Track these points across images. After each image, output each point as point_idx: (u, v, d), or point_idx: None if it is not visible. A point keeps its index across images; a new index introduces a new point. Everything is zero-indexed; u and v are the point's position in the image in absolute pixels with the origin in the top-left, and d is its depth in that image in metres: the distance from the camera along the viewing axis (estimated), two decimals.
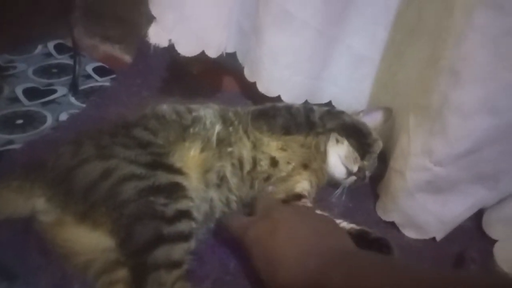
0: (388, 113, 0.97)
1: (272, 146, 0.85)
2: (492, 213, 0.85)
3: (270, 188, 0.84)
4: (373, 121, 0.98)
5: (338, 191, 0.89)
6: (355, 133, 0.88)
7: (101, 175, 0.63)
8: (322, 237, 0.61)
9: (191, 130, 0.77)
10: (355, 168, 0.87)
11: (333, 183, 0.91)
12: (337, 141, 0.91)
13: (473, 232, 0.86)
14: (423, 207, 0.79)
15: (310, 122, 0.87)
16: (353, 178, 0.88)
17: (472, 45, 0.64)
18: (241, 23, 1.04)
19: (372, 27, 0.92)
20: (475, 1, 0.62)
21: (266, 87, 1.03)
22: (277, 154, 0.85)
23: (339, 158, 0.89)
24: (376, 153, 0.90)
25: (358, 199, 0.90)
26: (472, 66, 0.65)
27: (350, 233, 0.76)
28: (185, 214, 0.64)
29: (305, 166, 0.89)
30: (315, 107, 0.90)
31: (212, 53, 0.94)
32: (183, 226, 0.62)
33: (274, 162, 0.85)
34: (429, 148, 0.74)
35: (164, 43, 0.87)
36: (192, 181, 0.71)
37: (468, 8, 0.63)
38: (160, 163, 0.67)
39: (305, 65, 0.98)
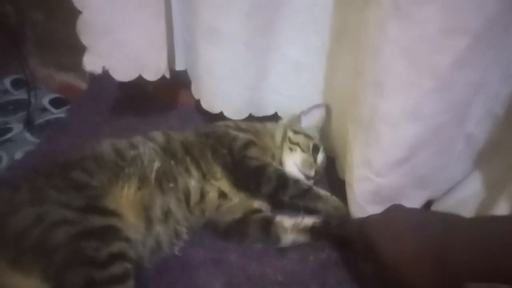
0: (329, 109, 0.97)
1: (224, 182, 0.86)
2: (439, 204, 0.86)
3: None
4: (314, 119, 0.98)
5: None
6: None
7: (33, 221, 0.63)
8: None
9: (127, 170, 0.76)
10: (312, 173, 0.89)
11: None
12: (291, 149, 0.93)
13: None
14: None
15: (277, 196, 0.83)
16: (312, 180, 0.90)
17: (389, 56, 0.64)
18: (186, 39, 1.03)
19: (304, 35, 0.91)
20: (386, 14, 0.62)
21: (209, 103, 1.02)
22: (227, 189, 0.86)
23: (295, 166, 0.91)
24: None
25: None
26: (392, 76, 0.66)
27: (315, 226, 0.80)
28: (118, 257, 0.63)
29: None
30: (291, 180, 0.82)
31: (150, 76, 0.94)
32: (116, 269, 0.62)
33: (223, 194, 0.85)
34: (368, 159, 0.74)
35: (98, 70, 0.87)
36: (129, 221, 0.71)
37: (380, 21, 0.64)
38: (93, 206, 0.67)
39: (241, 77, 0.97)
